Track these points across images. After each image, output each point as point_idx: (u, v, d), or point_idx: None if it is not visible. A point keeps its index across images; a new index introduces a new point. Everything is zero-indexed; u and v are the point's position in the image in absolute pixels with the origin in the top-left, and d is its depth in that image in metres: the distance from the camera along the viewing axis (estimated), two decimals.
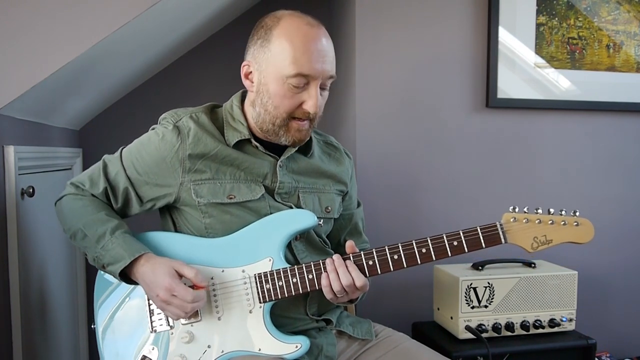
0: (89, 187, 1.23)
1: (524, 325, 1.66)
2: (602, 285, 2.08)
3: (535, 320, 1.67)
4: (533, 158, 2.01)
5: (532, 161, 2.01)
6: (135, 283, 1.17)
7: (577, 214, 1.14)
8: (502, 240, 1.14)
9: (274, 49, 1.15)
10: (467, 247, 1.14)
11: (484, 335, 1.61)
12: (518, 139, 1.99)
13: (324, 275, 1.15)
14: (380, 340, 1.30)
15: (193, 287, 1.12)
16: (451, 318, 1.67)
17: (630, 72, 2.03)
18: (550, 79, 1.97)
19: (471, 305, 1.63)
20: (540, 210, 1.15)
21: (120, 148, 1.27)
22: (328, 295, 1.16)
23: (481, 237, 1.13)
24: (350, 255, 1.16)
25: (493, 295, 1.64)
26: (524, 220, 1.14)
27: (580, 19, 1.97)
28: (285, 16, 1.17)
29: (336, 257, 1.16)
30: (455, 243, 1.14)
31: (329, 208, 1.31)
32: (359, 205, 1.45)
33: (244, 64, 1.22)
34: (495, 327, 1.64)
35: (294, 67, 1.13)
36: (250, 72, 1.20)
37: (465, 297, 1.62)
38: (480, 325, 1.63)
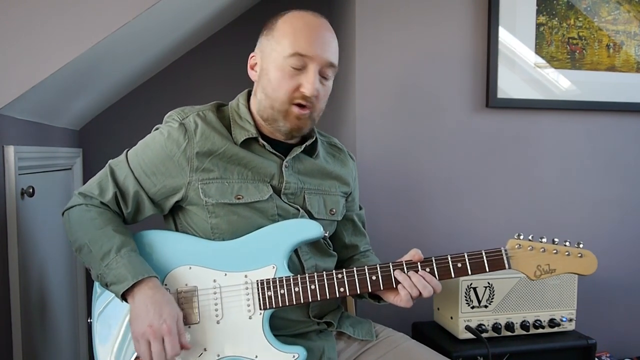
0: (98, 195, 1.19)
1: (524, 325, 1.66)
2: (602, 285, 2.07)
3: (535, 320, 1.67)
4: (533, 158, 2.01)
5: (532, 161, 2.01)
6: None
7: (581, 245, 1.16)
8: (506, 266, 1.16)
9: (276, 35, 1.19)
10: (470, 270, 1.16)
11: (484, 335, 1.61)
12: (518, 139, 1.99)
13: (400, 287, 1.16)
14: (381, 340, 1.30)
15: None
16: (451, 318, 1.67)
17: (630, 72, 2.02)
18: (550, 79, 1.97)
19: (471, 305, 1.63)
20: (544, 239, 1.17)
21: (125, 150, 1.25)
22: (408, 303, 1.16)
23: (485, 262, 1.16)
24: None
25: (493, 295, 1.64)
26: (529, 248, 1.16)
27: (580, 19, 1.97)
28: (292, 10, 1.21)
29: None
30: (459, 265, 1.15)
31: (334, 210, 1.31)
32: (360, 208, 1.45)
33: (250, 55, 1.25)
34: (495, 327, 1.64)
35: (293, 47, 1.15)
36: (256, 63, 1.24)
37: (465, 297, 1.62)
38: (480, 325, 1.63)
